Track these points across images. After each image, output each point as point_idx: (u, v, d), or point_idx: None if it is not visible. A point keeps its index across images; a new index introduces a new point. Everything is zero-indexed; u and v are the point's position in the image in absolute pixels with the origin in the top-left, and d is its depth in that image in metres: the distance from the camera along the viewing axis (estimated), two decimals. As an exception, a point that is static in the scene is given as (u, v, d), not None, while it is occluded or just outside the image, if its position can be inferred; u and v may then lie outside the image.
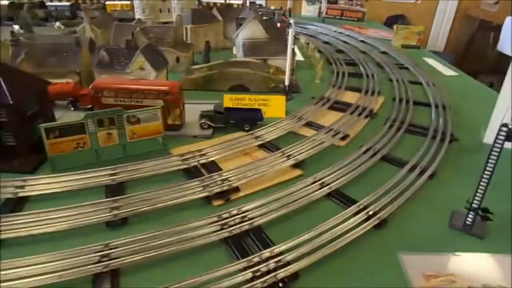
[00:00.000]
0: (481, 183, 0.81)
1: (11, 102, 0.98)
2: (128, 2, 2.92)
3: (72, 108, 1.37)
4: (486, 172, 0.79)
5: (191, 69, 1.71)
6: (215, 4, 2.35)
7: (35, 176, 0.97)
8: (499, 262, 0.77)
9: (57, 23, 2.69)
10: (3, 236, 0.77)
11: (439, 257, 0.78)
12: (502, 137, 0.76)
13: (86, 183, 0.96)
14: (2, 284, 0.66)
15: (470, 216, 0.85)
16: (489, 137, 1.29)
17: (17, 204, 0.88)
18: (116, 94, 1.18)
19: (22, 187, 0.92)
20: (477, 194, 0.82)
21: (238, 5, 2.63)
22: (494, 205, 0.83)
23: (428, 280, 0.72)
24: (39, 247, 0.75)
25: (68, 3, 3.11)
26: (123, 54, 1.47)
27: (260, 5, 3.05)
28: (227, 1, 2.91)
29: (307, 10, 3.85)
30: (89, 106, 1.30)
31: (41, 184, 0.94)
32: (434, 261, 0.77)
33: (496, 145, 0.77)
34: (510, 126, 0.75)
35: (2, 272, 0.67)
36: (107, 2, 2.96)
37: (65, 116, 1.30)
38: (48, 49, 1.51)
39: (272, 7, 3.04)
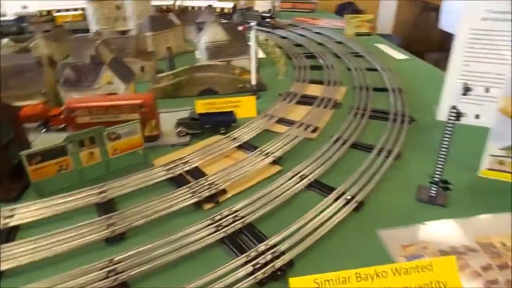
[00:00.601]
0: (440, 158, 0.92)
1: (-14, 133, 0.97)
2: (79, 12, 2.83)
3: (44, 130, 1.36)
4: (443, 149, 0.91)
5: (158, 77, 1.72)
6: (173, 7, 2.34)
7: (22, 204, 0.97)
8: (461, 225, 0.89)
9: (5, 40, 2.57)
10: (3, 268, 0.78)
11: (412, 228, 0.89)
12: (453, 118, 0.87)
13: (76, 204, 0.97)
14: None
15: (433, 188, 0.97)
16: (441, 115, 1.43)
17: (9, 234, 0.89)
18: (90, 112, 1.19)
19: (11, 216, 0.93)
20: (437, 169, 0.94)
21: (193, 7, 2.64)
22: (452, 176, 0.95)
23: (405, 250, 0.82)
24: (44, 272, 0.78)
25: (12, 18, 2.97)
26: (89, 70, 1.46)
27: (248, 9, 3.13)
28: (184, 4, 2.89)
29: (261, 5, 3.91)
30: (62, 126, 1.30)
31: (30, 211, 0.95)
32: (408, 233, 0.88)
33: (448, 125, 0.88)
34: (458, 107, 0.87)
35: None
36: (56, 14, 2.85)
37: (39, 138, 1.29)
38: (8, 71, 1.47)
39: (261, 10, 3.13)
